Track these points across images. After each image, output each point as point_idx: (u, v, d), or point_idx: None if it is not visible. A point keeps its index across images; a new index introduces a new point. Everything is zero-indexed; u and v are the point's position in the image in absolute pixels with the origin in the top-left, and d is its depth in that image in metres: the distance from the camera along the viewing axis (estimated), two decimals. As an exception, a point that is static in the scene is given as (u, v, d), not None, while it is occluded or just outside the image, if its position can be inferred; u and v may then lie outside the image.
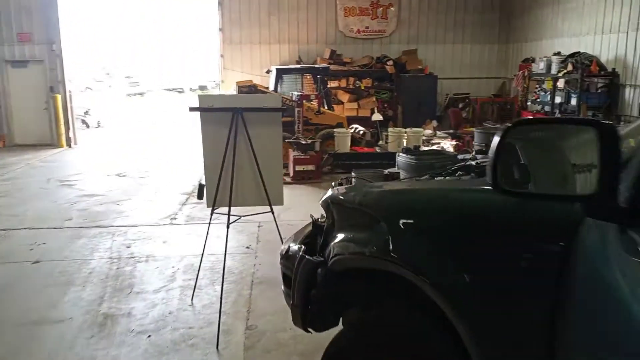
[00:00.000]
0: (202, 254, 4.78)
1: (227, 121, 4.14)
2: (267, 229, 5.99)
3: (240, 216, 4.55)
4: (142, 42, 39.29)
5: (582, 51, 11.15)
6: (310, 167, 9.46)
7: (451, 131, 13.16)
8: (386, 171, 7.36)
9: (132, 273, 5.31)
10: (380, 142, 11.39)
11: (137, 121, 20.47)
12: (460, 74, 15.18)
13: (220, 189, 4.25)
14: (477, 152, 7.99)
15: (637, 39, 9.85)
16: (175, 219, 7.30)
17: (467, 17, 15.09)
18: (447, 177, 2.61)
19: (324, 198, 2.57)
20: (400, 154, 7.00)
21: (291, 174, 9.40)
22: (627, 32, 10.11)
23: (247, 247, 6.09)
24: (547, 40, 13.06)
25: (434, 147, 10.44)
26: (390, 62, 14.26)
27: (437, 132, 12.84)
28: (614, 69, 10.37)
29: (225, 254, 4.30)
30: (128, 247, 6.12)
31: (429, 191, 2.41)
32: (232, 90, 12.00)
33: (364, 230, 2.22)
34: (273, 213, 4.52)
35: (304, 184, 9.33)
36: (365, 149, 10.85)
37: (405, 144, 10.57)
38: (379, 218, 2.16)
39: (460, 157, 5.93)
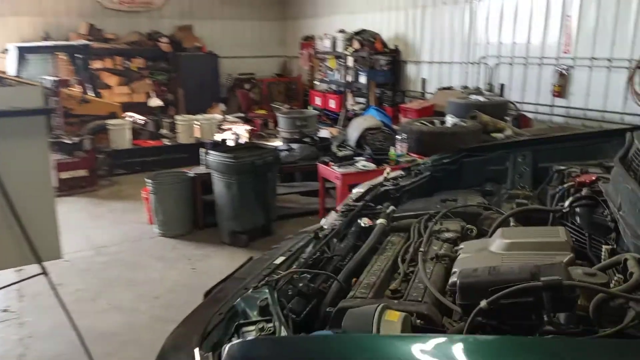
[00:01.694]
0: None
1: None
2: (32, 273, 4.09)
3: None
4: None
5: (364, 29, 11.08)
6: (82, 173, 7.39)
7: (241, 115, 12.11)
8: (192, 172, 5.92)
9: None
10: (164, 132, 9.70)
11: None
12: (241, 53, 14.12)
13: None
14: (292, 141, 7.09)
15: (416, 16, 10.08)
16: None
17: (243, -9, 14.04)
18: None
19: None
20: (209, 150, 5.63)
21: (55, 184, 7.16)
22: (407, 9, 10.29)
23: (4, 310, 4.10)
24: (326, 18, 12.82)
25: (229, 133, 9.25)
26: (164, 40, 12.43)
27: (227, 117, 11.63)
28: (396, 46, 10.51)
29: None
30: None
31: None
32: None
33: None
34: (45, 272, 2.82)
35: (76, 194, 7.25)
36: (150, 142, 9.08)
37: (198, 134, 9.13)
38: None
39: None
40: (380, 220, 2.23)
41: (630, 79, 6.53)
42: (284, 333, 1.32)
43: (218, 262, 5.36)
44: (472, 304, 1.29)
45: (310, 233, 2.59)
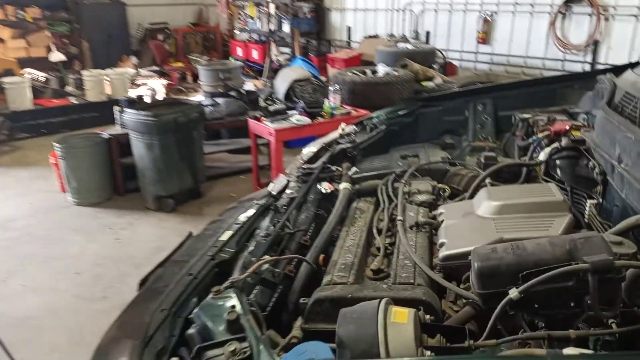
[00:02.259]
0: None
1: None
2: None
3: None
4: None
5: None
6: (-25, 139, 6.48)
7: (156, 68, 11.21)
8: (106, 134, 5.29)
9: None
10: (70, 89, 8.74)
11: None
12: (151, 1, 12.95)
13: None
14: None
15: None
16: None
17: None
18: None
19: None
20: (125, 108, 5.03)
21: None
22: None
23: None
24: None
25: (145, 89, 8.48)
26: (61, -15, 11.06)
27: (140, 71, 10.71)
28: (319, -8, 10.03)
29: None
30: None
31: None
32: None
33: None
34: None
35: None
36: (55, 101, 8.14)
37: (109, 91, 8.31)
38: None
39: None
40: (343, 185, 1.93)
41: (552, 24, 6.56)
42: (264, 357, 0.98)
43: (144, 230, 4.89)
44: (496, 293, 1.04)
45: (258, 201, 2.26)
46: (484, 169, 2.14)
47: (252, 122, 5.42)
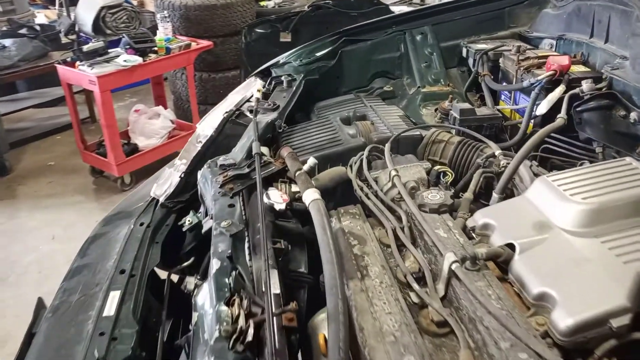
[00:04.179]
0: None
1: None
2: None
3: None
4: None
5: None
6: None
7: None
8: None
9: None
10: None
11: None
12: None
13: None
14: None
15: None
16: None
17: None
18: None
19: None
20: None
21: None
22: None
23: None
24: None
25: None
26: None
27: None
28: None
29: None
30: None
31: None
32: None
33: None
34: None
35: None
36: None
37: None
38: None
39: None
40: (310, 194, 1.18)
41: None
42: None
43: None
44: None
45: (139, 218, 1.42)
46: (460, 126, 1.56)
47: (61, 69, 4.08)
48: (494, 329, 0.89)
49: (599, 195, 1.06)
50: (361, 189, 1.29)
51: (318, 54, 1.97)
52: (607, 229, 1.02)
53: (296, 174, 1.29)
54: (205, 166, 1.42)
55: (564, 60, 1.58)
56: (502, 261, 1.04)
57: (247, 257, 1.12)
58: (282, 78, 1.77)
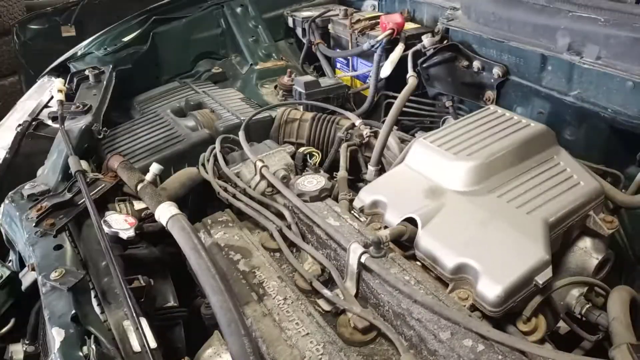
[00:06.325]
0: None
1: None
2: None
3: None
4: None
5: None
6: None
7: None
8: None
9: None
10: None
11: None
12: None
13: None
14: None
15: None
16: None
17: None
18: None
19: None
20: None
21: None
22: None
23: None
24: None
25: None
26: None
27: None
28: None
29: None
30: None
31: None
32: None
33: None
34: None
35: None
36: None
37: None
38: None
39: None
40: (166, 210, 0.94)
41: None
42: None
43: None
44: None
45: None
46: (308, 101, 1.44)
47: None
48: (427, 319, 0.77)
49: (481, 148, 1.01)
50: (225, 190, 1.07)
51: (125, 39, 1.65)
52: (496, 181, 0.97)
53: (138, 188, 1.01)
54: (5, 201, 1.06)
55: (397, 17, 1.54)
56: (406, 239, 0.92)
57: (99, 311, 0.83)
58: (87, 72, 1.43)
